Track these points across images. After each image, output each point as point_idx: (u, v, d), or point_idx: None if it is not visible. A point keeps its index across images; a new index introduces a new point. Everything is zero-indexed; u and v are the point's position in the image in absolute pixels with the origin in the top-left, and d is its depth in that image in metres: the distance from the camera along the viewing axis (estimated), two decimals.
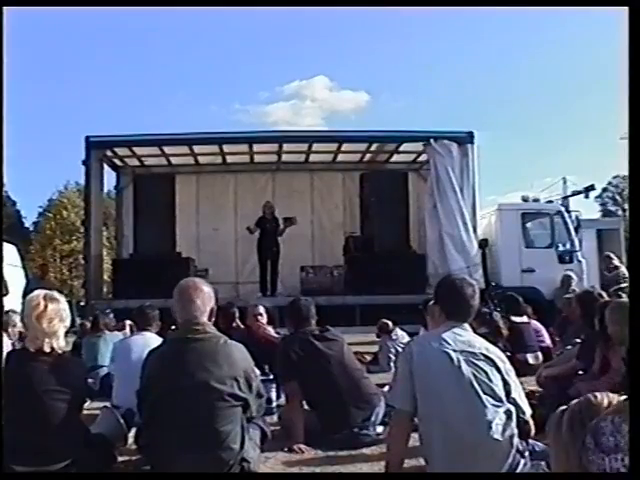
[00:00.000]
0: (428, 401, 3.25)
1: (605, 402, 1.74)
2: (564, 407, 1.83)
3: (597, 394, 1.78)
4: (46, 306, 3.61)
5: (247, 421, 3.59)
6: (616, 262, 12.42)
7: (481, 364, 3.27)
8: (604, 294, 6.17)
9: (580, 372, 5.43)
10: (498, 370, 3.30)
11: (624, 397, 1.72)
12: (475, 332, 3.66)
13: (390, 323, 9.16)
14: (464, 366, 3.24)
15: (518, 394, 3.34)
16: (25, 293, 12.40)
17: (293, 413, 4.80)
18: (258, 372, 5.46)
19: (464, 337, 3.39)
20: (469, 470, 3.13)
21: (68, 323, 3.78)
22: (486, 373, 3.25)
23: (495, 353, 3.40)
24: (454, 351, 3.29)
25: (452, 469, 3.16)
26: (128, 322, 7.80)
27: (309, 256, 13.68)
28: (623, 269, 12.14)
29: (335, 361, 4.85)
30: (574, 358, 5.53)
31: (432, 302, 3.81)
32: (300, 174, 14.16)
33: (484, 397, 3.17)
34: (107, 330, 7.76)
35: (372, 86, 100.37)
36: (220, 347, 3.50)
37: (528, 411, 3.36)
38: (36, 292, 3.83)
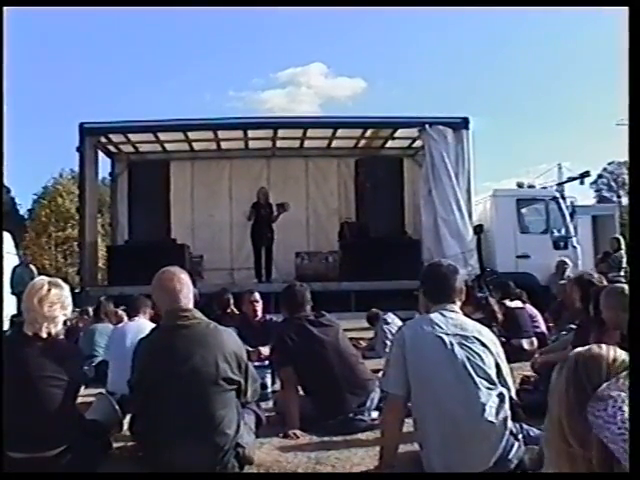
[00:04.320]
0: (422, 385, 3.26)
1: (611, 355, 1.65)
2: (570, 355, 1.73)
3: (602, 345, 1.69)
4: (49, 290, 3.62)
5: (242, 406, 3.60)
6: (622, 245, 12.50)
7: (474, 347, 3.29)
8: (597, 277, 6.14)
9: None
10: (491, 353, 3.32)
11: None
12: (470, 317, 3.69)
13: (380, 312, 9.16)
14: (457, 349, 3.26)
15: (507, 375, 3.37)
16: (12, 277, 12.43)
17: (288, 399, 4.79)
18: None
19: (456, 320, 3.42)
20: (463, 452, 3.15)
21: (69, 312, 3.79)
22: (479, 356, 3.27)
23: (487, 336, 3.43)
24: (447, 334, 3.31)
25: (447, 452, 3.18)
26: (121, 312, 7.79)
27: (304, 242, 13.69)
28: (622, 252, 12.23)
29: (330, 346, 4.84)
30: (570, 345, 5.52)
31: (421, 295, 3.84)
32: (295, 160, 14.13)
33: (478, 380, 3.19)
34: (108, 319, 7.76)
35: (369, 73, 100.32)
36: (209, 332, 3.53)
37: (513, 391, 3.41)
38: (41, 277, 3.85)
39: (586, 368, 1.63)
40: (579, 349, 1.70)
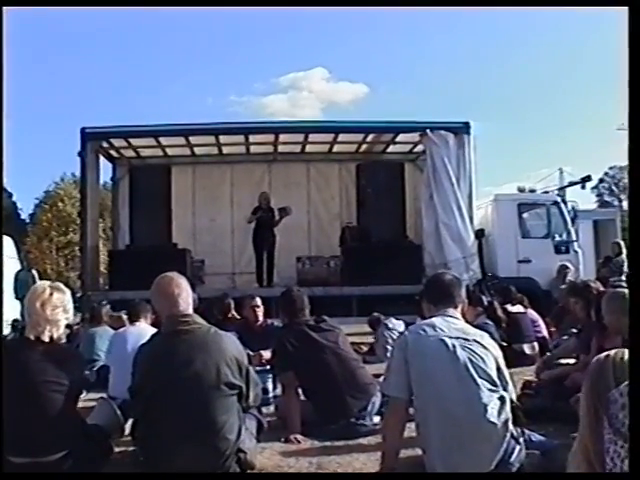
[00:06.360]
0: (424, 386, 3.27)
1: (617, 361, 1.65)
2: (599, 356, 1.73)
3: (610, 353, 1.69)
4: (51, 294, 3.65)
5: (243, 411, 3.60)
6: (623, 250, 12.48)
7: (476, 349, 3.32)
8: (594, 284, 6.11)
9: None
10: (492, 356, 3.34)
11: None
12: (472, 324, 3.72)
13: (381, 316, 9.15)
14: (459, 351, 3.29)
15: (508, 379, 3.39)
16: (15, 281, 12.44)
17: (289, 404, 4.80)
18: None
19: (458, 325, 3.46)
20: (465, 453, 3.16)
21: (70, 316, 3.82)
22: (481, 358, 3.29)
23: (488, 341, 3.45)
24: (449, 337, 3.34)
25: (448, 453, 3.18)
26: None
27: (305, 247, 13.68)
28: (624, 257, 12.21)
29: (330, 351, 4.85)
30: (575, 352, 5.51)
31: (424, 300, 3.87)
32: (296, 165, 14.13)
33: (480, 381, 3.21)
34: (105, 323, 7.75)
35: (371, 78, 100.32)
36: (210, 337, 3.52)
37: (514, 394, 3.44)
38: (42, 282, 3.89)
39: (598, 383, 1.62)
40: (598, 357, 1.68)
